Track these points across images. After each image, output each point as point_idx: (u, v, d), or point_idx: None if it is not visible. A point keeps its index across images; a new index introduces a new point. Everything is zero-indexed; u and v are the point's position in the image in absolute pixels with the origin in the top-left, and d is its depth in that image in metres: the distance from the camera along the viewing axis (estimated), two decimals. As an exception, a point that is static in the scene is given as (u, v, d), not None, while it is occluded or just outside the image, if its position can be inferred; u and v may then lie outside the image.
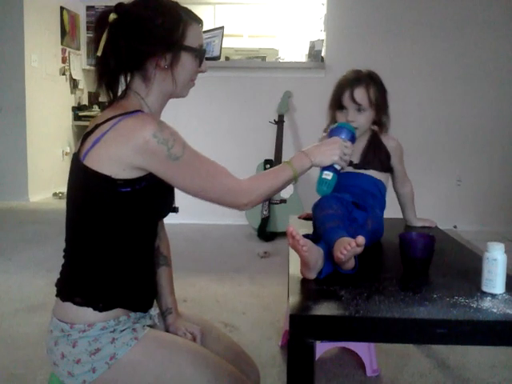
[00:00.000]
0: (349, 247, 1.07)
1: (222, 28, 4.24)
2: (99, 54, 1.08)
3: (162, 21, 1.08)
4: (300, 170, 1.20)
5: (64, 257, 1.14)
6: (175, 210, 1.24)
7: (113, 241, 1.10)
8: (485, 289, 1.05)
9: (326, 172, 1.25)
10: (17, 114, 5.29)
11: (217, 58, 4.14)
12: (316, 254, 1.10)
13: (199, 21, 1.15)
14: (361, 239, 1.07)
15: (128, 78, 1.14)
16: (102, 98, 1.20)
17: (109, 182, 1.03)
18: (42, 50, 5.65)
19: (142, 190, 1.07)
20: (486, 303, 1.00)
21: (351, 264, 1.14)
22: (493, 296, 1.04)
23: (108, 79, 1.12)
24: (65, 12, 6.21)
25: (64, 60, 6.23)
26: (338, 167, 1.26)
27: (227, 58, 4.55)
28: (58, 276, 1.15)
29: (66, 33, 6.27)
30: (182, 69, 1.13)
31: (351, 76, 1.54)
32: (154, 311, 1.21)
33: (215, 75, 4.24)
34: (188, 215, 4.13)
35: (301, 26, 6.27)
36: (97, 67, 1.11)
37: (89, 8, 6.57)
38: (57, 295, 1.12)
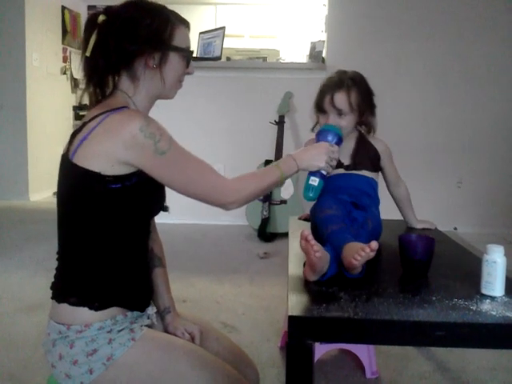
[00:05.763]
0: (363, 253, 1.06)
1: (223, 28, 4.24)
2: (88, 54, 1.09)
3: (150, 21, 1.10)
4: (287, 173, 1.21)
5: (57, 259, 1.14)
6: (166, 209, 1.24)
7: (105, 239, 1.09)
8: (484, 291, 1.05)
9: (312, 178, 1.28)
10: (17, 112, 5.29)
11: (218, 59, 4.13)
12: (325, 259, 1.10)
13: (186, 24, 1.17)
14: (374, 244, 1.06)
15: (116, 78, 1.15)
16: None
17: (98, 178, 1.04)
18: (43, 49, 5.65)
19: (133, 187, 1.07)
20: (486, 306, 1.00)
21: (360, 268, 1.14)
22: (492, 298, 1.03)
23: (97, 79, 1.13)
24: (66, 11, 6.21)
25: (65, 59, 6.24)
26: (324, 172, 1.27)
27: (228, 59, 4.55)
28: (53, 279, 1.15)
29: (67, 32, 6.28)
30: (170, 69, 1.14)
31: (333, 79, 1.53)
32: (152, 310, 1.22)
33: (216, 75, 4.24)
34: (188, 215, 4.13)
35: (302, 27, 6.27)
36: (85, 68, 1.12)
37: (90, 7, 6.55)
38: (52, 298, 1.12)
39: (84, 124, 1.07)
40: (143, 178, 1.08)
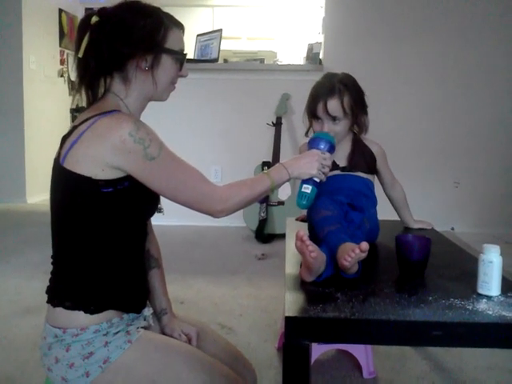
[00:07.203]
0: (353, 254, 1.07)
1: (221, 30, 4.25)
2: (80, 55, 1.10)
3: (143, 23, 1.09)
4: (278, 182, 1.21)
5: (52, 263, 1.14)
6: (160, 210, 1.24)
7: (99, 242, 1.09)
8: (480, 291, 1.06)
9: (305, 185, 1.28)
10: (15, 115, 5.28)
11: (215, 61, 4.14)
12: (320, 259, 1.10)
13: (180, 26, 1.17)
14: (364, 245, 1.07)
15: (108, 80, 1.15)
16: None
17: (90, 183, 1.03)
18: (41, 52, 5.65)
19: (125, 191, 1.07)
20: (482, 305, 1.00)
21: (355, 268, 1.14)
22: (488, 298, 1.04)
23: (88, 81, 1.13)
24: (63, 14, 6.21)
25: (62, 62, 6.23)
26: (317, 180, 1.28)
27: (225, 61, 4.56)
28: (48, 283, 1.14)
29: (65, 35, 6.28)
30: (163, 71, 1.14)
31: (324, 85, 1.51)
32: (148, 311, 1.21)
33: (213, 77, 4.25)
34: (185, 217, 4.12)
35: (299, 29, 6.28)
36: (77, 69, 1.13)
37: (87, 10, 6.49)
38: (48, 302, 1.12)
39: (74, 127, 1.07)
40: (135, 182, 1.07)
